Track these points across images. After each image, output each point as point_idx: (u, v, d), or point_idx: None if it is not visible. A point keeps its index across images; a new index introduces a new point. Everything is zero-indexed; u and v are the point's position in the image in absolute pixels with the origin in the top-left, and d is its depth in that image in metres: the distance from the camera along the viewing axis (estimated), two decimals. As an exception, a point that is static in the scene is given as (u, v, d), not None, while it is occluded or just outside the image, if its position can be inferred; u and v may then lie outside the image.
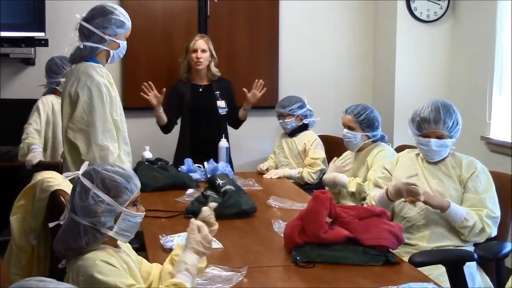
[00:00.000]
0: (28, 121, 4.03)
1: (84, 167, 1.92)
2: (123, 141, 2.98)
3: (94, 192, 1.84)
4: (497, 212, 2.76)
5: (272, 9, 5.02)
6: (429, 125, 2.82)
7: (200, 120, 4.29)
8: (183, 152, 4.25)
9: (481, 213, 2.74)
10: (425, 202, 2.74)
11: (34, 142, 3.93)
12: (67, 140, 2.92)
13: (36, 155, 3.83)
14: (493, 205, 2.77)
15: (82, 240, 1.83)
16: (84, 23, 2.92)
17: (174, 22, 4.86)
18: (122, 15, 2.97)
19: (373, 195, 2.96)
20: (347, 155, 3.73)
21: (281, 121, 4.36)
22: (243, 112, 4.40)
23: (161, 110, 4.21)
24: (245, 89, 4.30)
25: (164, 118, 4.25)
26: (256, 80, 4.33)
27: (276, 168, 4.34)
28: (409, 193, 2.72)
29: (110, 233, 1.86)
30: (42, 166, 3.63)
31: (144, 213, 1.96)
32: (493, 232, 2.75)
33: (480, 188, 2.79)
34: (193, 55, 4.28)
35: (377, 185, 3.05)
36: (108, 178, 1.86)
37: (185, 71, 4.36)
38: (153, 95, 4.14)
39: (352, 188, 3.50)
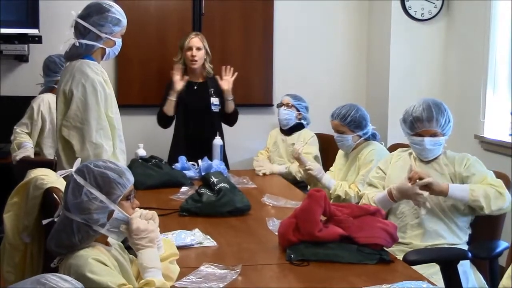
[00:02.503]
0: (19, 122, 4.03)
1: (77, 164, 1.92)
2: (118, 139, 2.97)
3: (87, 189, 1.84)
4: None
5: (266, 7, 5.01)
6: (422, 123, 2.83)
7: (194, 117, 4.29)
8: (177, 149, 4.25)
9: (485, 181, 2.74)
10: (430, 189, 2.72)
11: (22, 140, 3.94)
12: (61, 138, 2.90)
13: (23, 151, 3.84)
14: (495, 180, 2.76)
15: (75, 237, 1.83)
16: (80, 21, 2.89)
17: (168, 19, 4.85)
18: (118, 12, 2.94)
19: (372, 196, 2.94)
20: (340, 155, 3.73)
21: (282, 108, 4.34)
22: (227, 104, 4.37)
23: (175, 98, 4.24)
24: (217, 76, 4.34)
25: (172, 109, 4.28)
26: (224, 67, 4.35)
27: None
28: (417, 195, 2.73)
29: (102, 231, 1.86)
30: (27, 162, 3.64)
31: (140, 214, 1.93)
32: (509, 197, 2.71)
33: (477, 172, 2.79)
34: (188, 53, 4.27)
35: (372, 185, 3.05)
36: (100, 175, 1.86)
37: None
38: (179, 78, 4.21)
39: (341, 193, 3.47)
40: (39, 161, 3.71)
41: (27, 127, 4.02)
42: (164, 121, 4.37)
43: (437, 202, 2.82)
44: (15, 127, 4.03)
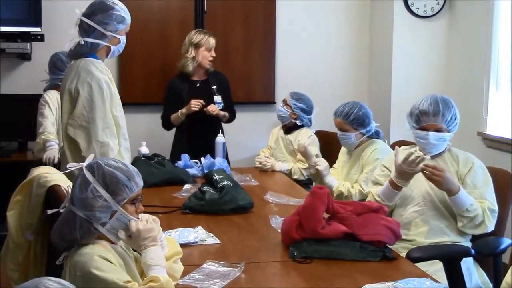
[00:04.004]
0: (42, 115, 4.04)
1: (89, 159, 1.91)
2: (122, 137, 2.97)
3: (94, 186, 1.84)
4: (496, 206, 2.77)
5: (268, 5, 5.02)
6: (428, 117, 2.83)
7: (197, 115, 4.28)
8: (180, 147, 4.25)
9: (483, 205, 2.75)
10: (435, 181, 2.73)
11: (50, 138, 3.95)
12: (66, 136, 2.90)
13: (54, 153, 3.85)
14: (492, 199, 2.78)
15: (77, 232, 1.83)
16: (84, 19, 2.89)
17: (170, 17, 4.85)
18: (122, 10, 2.94)
19: (375, 192, 2.95)
20: (343, 153, 3.73)
21: (280, 104, 4.38)
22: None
23: (184, 118, 4.24)
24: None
25: (179, 123, 4.29)
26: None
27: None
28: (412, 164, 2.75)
29: (102, 230, 1.86)
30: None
31: (140, 218, 1.92)
32: (491, 227, 2.76)
33: (478, 182, 2.80)
34: (208, 53, 4.27)
35: (377, 183, 3.04)
36: (109, 174, 1.86)
37: (190, 65, 4.28)
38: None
39: (343, 189, 3.47)
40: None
41: (52, 117, 4.04)
42: (169, 127, 4.41)
43: (443, 199, 2.82)
44: (40, 119, 4.03)
